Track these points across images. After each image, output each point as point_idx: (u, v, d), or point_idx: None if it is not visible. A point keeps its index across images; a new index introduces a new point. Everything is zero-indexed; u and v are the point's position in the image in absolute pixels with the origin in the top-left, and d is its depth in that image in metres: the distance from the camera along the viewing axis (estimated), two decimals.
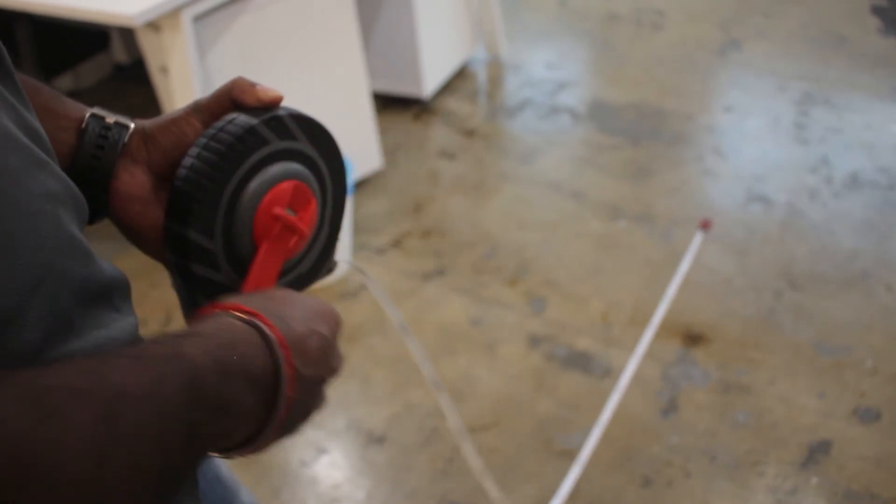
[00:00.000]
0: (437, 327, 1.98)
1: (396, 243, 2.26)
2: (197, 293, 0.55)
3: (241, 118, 0.55)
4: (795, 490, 1.56)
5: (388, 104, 2.78)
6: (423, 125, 2.77)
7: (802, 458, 1.62)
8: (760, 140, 2.59)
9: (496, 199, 2.42)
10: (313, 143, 0.58)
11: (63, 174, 0.44)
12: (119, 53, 3.10)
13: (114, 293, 0.46)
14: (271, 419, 0.46)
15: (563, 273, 2.12)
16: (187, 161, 0.54)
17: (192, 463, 0.42)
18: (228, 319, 0.47)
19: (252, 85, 0.56)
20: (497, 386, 1.82)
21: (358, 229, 2.28)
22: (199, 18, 1.84)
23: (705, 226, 2.03)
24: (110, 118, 0.57)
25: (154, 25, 1.78)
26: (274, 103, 0.56)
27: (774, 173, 2.43)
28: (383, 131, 2.59)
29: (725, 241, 2.18)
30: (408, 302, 2.06)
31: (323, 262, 0.62)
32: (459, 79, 2.98)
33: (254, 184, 0.55)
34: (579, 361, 1.86)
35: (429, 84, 2.75)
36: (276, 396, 0.46)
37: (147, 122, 0.57)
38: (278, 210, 0.55)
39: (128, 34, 2.92)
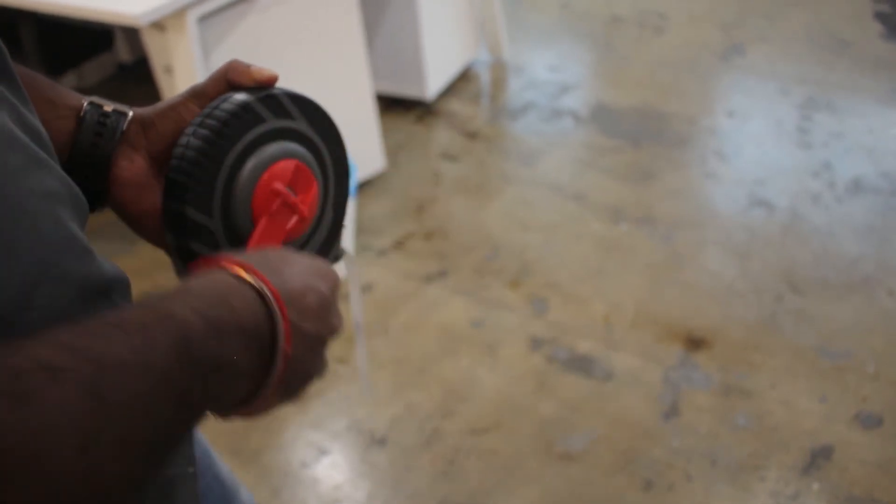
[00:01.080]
0: (438, 329, 1.98)
1: (398, 245, 2.26)
2: None
3: (236, 96, 0.55)
4: (797, 495, 1.56)
5: (391, 105, 2.78)
6: (425, 127, 2.77)
7: (804, 462, 1.62)
8: (762, 144, 2.59)
9: (498, 200, 2.42)
10: (311, 124, 0.58)
11: (63, 173, 0.44)
12: (123, 53, 3.10)
13: (114, 292, 0.46)
14: (269, 376, 0.45)
15: (564, 275, 2.12)
16: (183, 139, 0.54)
17: (186, 427, 0.41)
18: (219, 275, 0.45)
19: (247, 66, 0.56)
20: (498, 388, 1.82)
21: (360, 230, 2.28)
22: (203, 19, 1.84)
23: None
24: (108, 106, 0.57)
25: (159, 25, 1.78)
26: (269, 82, 0.56)
27: (776, 177, 2.43)
28: (386, 132, 2.59)
29: (727, 245, 2.18)
30: (409, 303, 2.06)
31: (328, 249, 0.61)
32: (462, 81, 2.98)
33: (251, 162, 0.55)
34: (581, 364, 1.86)
35: (432, 86, 2.75)
36: (272, 353, 0.45)
37: (146, 110, 0.58)
38: (278, 185, 0.55)
39: (132, 34, 2.92)
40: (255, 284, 0.45)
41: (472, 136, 2.72)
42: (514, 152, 2.67)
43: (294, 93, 0.58)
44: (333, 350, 1.94)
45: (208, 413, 0.43)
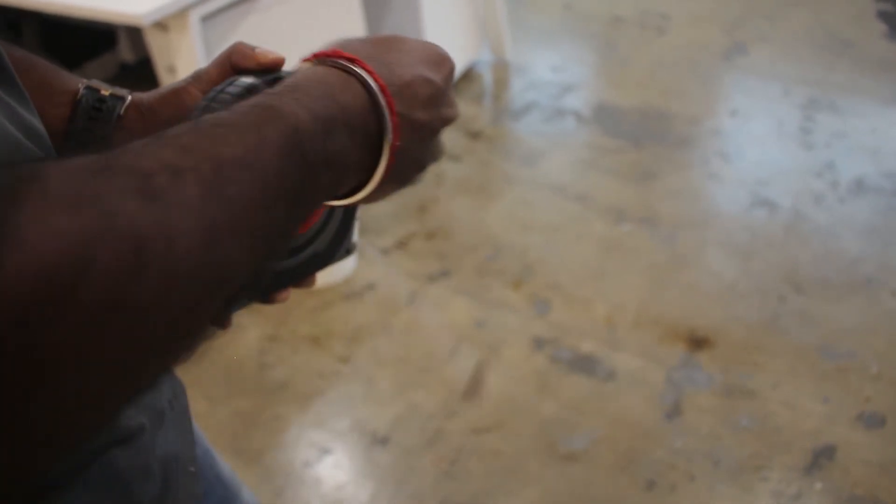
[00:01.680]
0: (440, 329, 1.98)
1: (401, 245, 2.26)
2: None
3: (242, 79, 0.52)
4: (799, 495, 1.56)
5: None
6: None
7: (806, 462, 1.62)
8: (765, 144, 2.59)
9: (500, 201, 2.42)
10: None
11: None
12: (125, 52, 3.11)
13: None
14: (379, 167, 0.46)
15: (567, 276, 2.12)
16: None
17: (298, 222, 0.42)
18: (325, 69, 0.46)
19: (252, 48, 0.55)
20: (500, 388, 1.82)
21: (362, 230, 2.28)
22: (206, 18, 1.85)
23: None
24: (106, 90, 0.56)
25: (162, 25, 1.78)
26: (275, 65, 0.55)
27: (779, 177, 2.42)
28: None
29: (729, 245, 2.18)
30: (412, 304, 2.06)
31: (340, 241, 0.59)
32: (465, 81, 2.98)
33: None
34: (583, 364, 1.86)
35: None
36: (381, 146, 0.45)
37: (146, 95, 0.57)
38: None
39: (134, 33, 2.93)
40: (361, 77, 0.45)
41: (474, 135, 2.72)
42: (516, 152, 2.67)
43: None
44: (335, 350, 1.93)
45: (322, 201, 0.45)
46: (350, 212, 0.59)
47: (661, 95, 2.86)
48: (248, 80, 0.53)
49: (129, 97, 0.56)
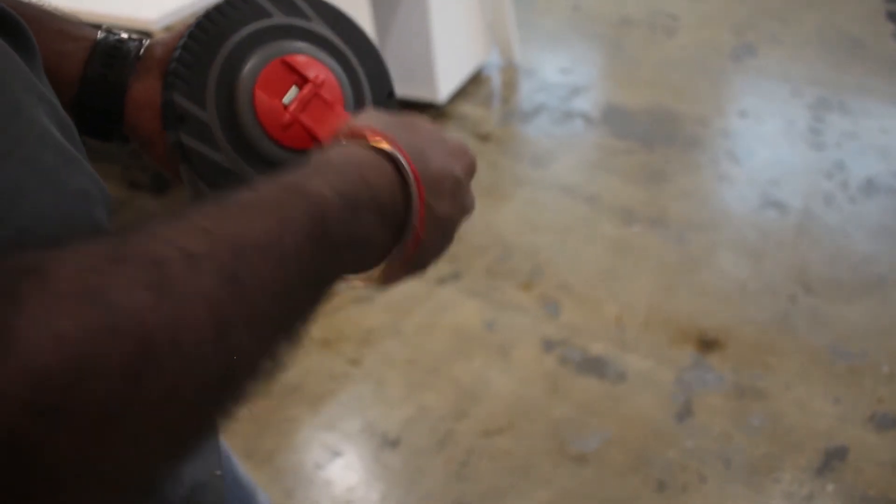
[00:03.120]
0: (451, 331, 1.99)
1: None
2: (197, 178, 0.52)
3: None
4: (811, 496, 1.56)
5: (402, 109, 2.79)
6: None
7: (818, 463, 1.61)
8: (775, 145, 2.58)
9: (510, 202, 2.43)
10: (334, 29, 0.55)
11: (93, 172, 0.44)
12: None
13: None
14: (399, 253, 0.45)
15: (577, 277, 2.12)
16: (186, 31, 0.53)
17: (315, 304, 0.40)
18: (361, 150, 0.44)
19: None
20: (511, 389, 1.82)
21: None
22: None
23: None
24: (125, 34, 0.57)
25: (173, 30, 1.79)
26: None
27: (789, 178, 2.42)
28: None
29: (740, 246, 2.18)
30: (422, 305, 2.06)
31: None
32: (474, 84, 2.99)
33: (254, 56, 0.52)
34: (593, 365, 1.86)
35: (443, 89, 2.76)
36: (404, 230, 0.44)
37: (161, 38, 0.57)
38: (298, 66, 0.52)
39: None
40: (398, 161, 0.44)
41: (483, 138, 2.72)
42: (525, 154, 2.67)
43: None
44: (346, 353, 1.93)
45: (336, 283, 0.43)
46: None
47: (670, 96, 2.86)
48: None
49: (148, 41, 0.57)
